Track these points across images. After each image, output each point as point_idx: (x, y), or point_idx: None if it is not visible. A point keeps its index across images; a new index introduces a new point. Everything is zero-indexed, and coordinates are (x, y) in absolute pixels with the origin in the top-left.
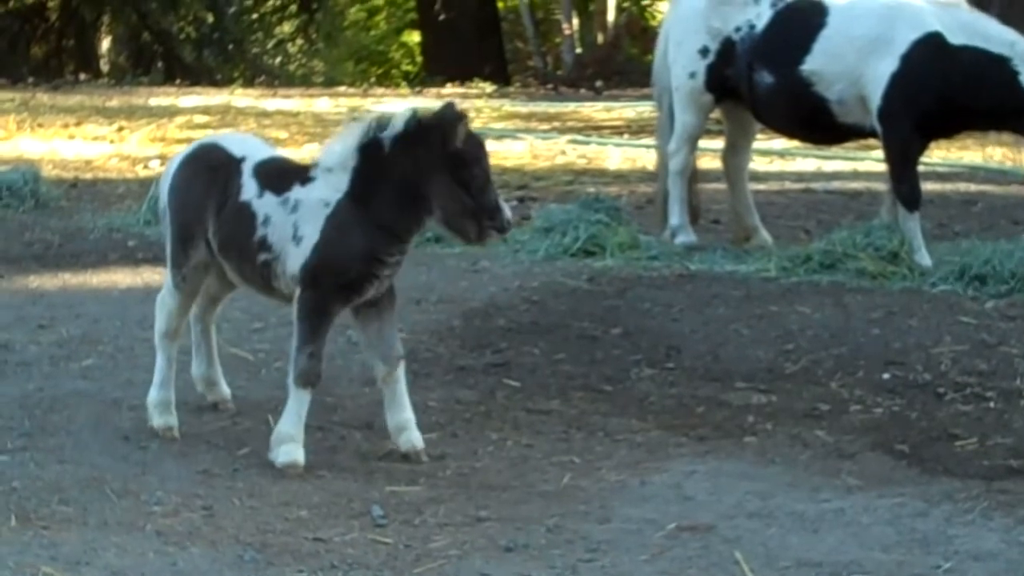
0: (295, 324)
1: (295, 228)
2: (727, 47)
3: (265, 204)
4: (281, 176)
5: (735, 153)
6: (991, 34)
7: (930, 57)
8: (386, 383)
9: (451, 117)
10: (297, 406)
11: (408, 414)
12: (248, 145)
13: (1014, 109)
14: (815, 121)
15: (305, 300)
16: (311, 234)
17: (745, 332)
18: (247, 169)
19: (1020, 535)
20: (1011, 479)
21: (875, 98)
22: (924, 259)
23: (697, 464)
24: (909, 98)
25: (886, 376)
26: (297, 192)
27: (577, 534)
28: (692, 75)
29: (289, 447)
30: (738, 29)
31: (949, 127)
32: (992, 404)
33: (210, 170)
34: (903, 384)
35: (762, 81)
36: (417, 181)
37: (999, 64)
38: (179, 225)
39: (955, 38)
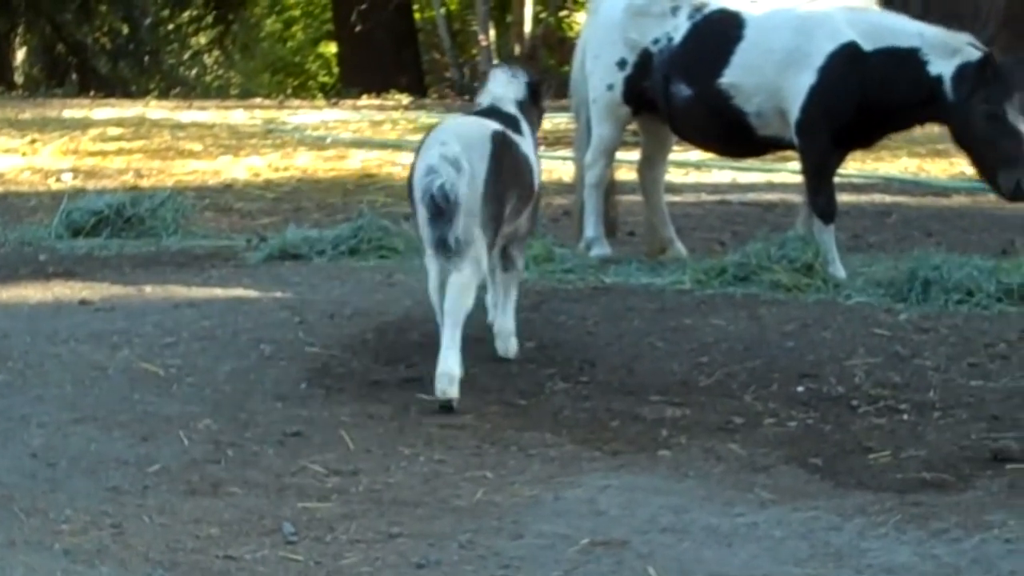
0: None
1: None
2: (645, 60)
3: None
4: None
5: (651, 165)
6: (899, 29)
7: (847, 68)
8: None
9: None
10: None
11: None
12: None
13: (927, 99)
14: (733, 134)
15: None
16: None
17: (660, 345)
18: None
19: (933, 548)
20: (924, 492)
21: (793, 111)
22: (839, 271)
23: (611, 478)
24: (828, 110)
25: (800, 389)
26: None
27: (490, 550)
28: (610, 87)
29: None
30: (656, 41)
31: (869, 135)
32: (905, 417)
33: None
34: (817, 397)
35: (679, 94)
36: None
37: (910, 57)
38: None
39: (869, 44)
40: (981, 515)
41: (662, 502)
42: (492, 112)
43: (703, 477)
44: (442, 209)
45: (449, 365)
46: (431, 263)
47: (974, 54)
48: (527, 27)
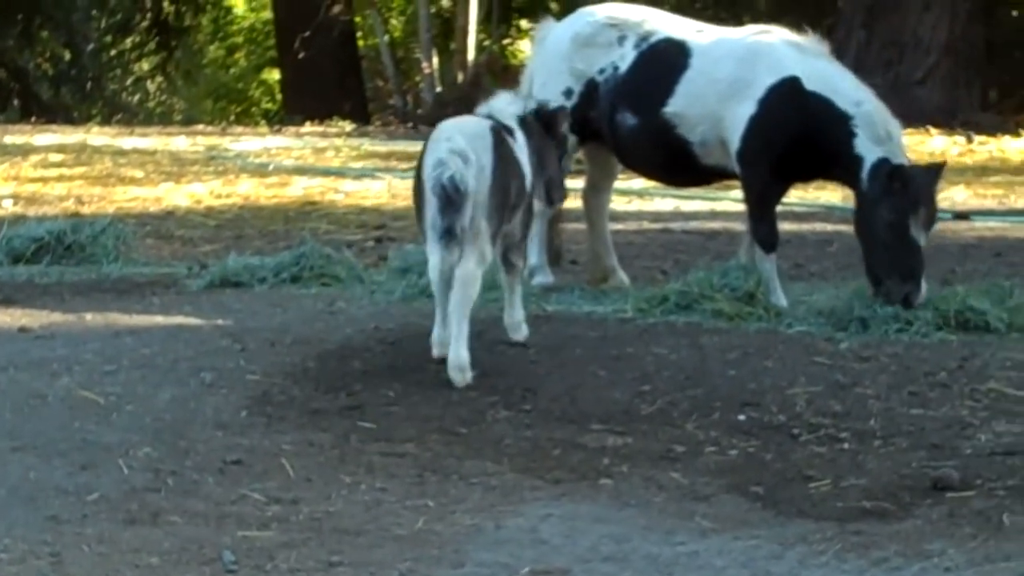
0: None
1: None
2: (591, 89)
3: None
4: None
5: (596, 193)
6: (841, 89)
7: (786, 101)
8: None
9: None
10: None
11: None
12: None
13: (846, 167)
14: (677, 163)
15: None
16: None
17: (602, 374)
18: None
19: None
20: (865, 520)
21: (734, 141)
22: (780, 300)
23: (552, 507)
24: (766, 141)
25: (741, 417)
26: None
27: None
28: None
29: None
30: (602, 71)
31: (803, 172)
32: (846, 445)
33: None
34: (758, 425)
35: (624, 123)
36: None
37: (841, 122)
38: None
39: (810, 84)
40: (921, 544)
41: (603, 531)
42: (488, 118)
43: (644, 506)
44: (452, 199)
45: (459, 356)
46: (434, 252)
47: (897, 154)
48: (470, 54)
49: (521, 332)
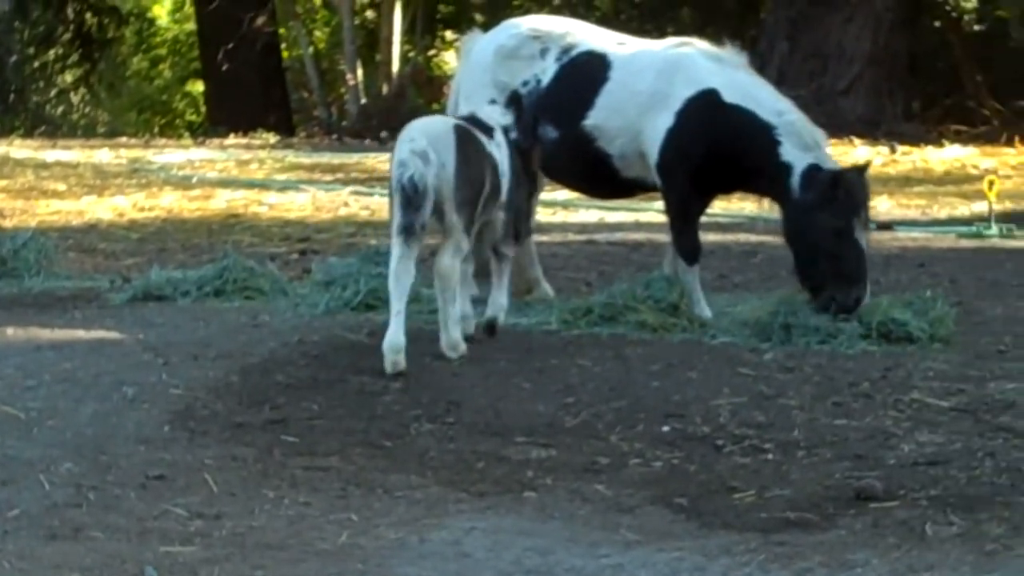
0: None
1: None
2: (514, 102)
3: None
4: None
5: None
6: (761, 99)
7: (703, 113)
8: None
9: None
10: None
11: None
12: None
13: (772, 176)
14: (598, 176)
15: None
16: None
17: (526, 386)
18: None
19: None
20: (788, 531)
21: (652, 153)
22: (704, 311)
23: (476, 520)
24: (684, 153)
25: (665, 429)
26: None
27: None
28: None
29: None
30: (525, 84)
31: (723, 183)
32: (770, 456)
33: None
34: (682, 437)
35: (546, 135)
36: None
37: (764, 131)
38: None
39: (729, 96)
40: (844, 554)
41: (527, 544)
42: (470, 118)
43: (569, 518)
44: (411, 198)
45: (451, 336)
46: (395, 248)
47: (825, 160)
48: (395, 66)
49: (501, 316)
